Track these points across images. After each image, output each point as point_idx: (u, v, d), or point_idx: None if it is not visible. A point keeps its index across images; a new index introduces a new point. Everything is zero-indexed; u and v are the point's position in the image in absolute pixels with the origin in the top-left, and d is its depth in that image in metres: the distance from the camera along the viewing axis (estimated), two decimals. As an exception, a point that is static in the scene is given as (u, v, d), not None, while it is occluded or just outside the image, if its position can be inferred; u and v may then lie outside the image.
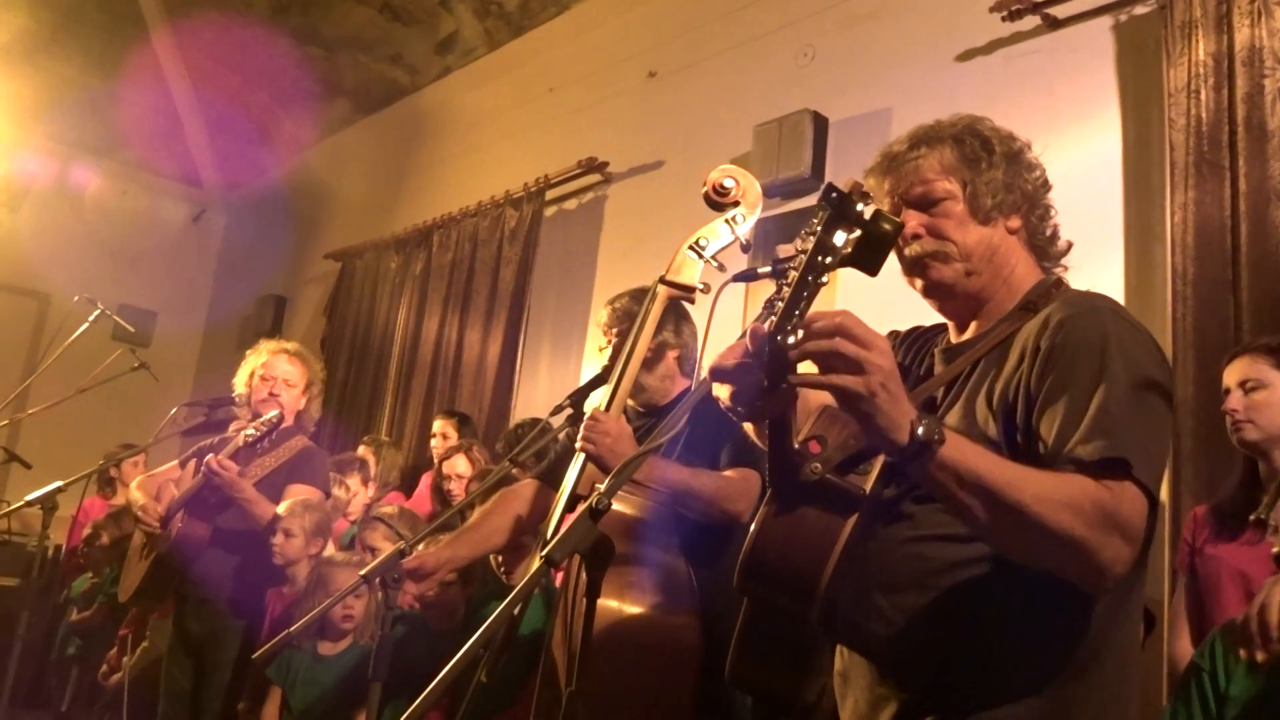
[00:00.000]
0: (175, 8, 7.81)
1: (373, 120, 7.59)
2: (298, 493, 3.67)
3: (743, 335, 1.41)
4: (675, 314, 2.73)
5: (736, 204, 2.48)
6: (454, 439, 4.98)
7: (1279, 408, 2.27)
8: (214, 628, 3.62)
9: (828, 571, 1.40)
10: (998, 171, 1.60)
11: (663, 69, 5.44)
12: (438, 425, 5.10)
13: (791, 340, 1.19)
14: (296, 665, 3.20)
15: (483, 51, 6.59)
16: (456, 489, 4.21)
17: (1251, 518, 1.17)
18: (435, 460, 4.91)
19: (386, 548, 3.49)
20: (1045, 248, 1.66)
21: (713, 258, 2.47)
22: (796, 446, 1.41)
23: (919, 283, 1.65)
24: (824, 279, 1.16)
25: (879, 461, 1.45)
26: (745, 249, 2.54)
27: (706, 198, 2.51)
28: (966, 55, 4.05)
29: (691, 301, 2.52)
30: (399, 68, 7.10)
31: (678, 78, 5.35)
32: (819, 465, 1.39)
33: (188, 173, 8.95)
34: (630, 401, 2.76)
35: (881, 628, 1.47)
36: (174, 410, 3.92)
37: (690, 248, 2.47)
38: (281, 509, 3.47)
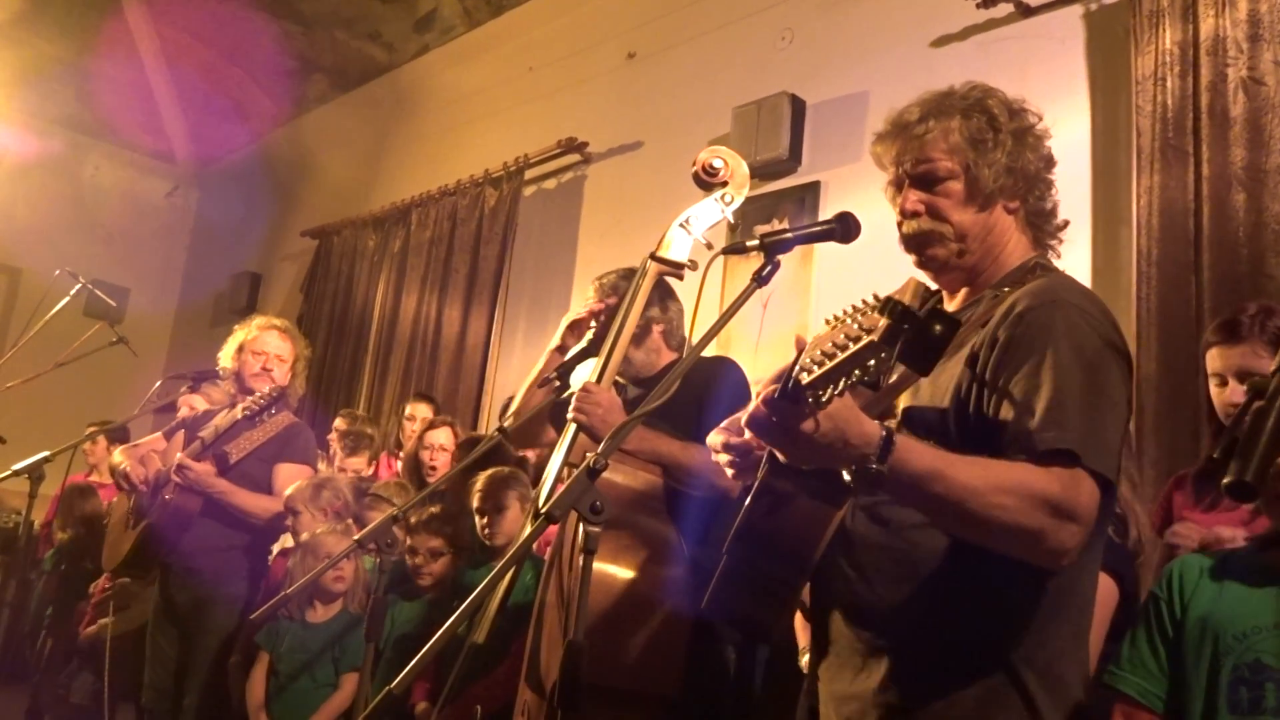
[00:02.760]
0: (149, -19, 7.76)
1: (350, 97, 7.58)
2: (287, 473, 3.72)
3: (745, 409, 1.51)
4: (660, 290, 2.80)
5: (725, 184, 2.55)
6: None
7: None
8: (199, 597, 3.67)
9: (818, 552, 1.49)
10: (1001, 153, 1.62)
11: (642, 50, 5.50)
12: (415, 409, 5.13)
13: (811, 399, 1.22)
14: (284, 632, 3.27)
15: (462, 30, 6.59)
16: (438, 460, 4.27)
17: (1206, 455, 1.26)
18: (409, 437, 4.95)
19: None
20: (1041, 225, 1.69)
21: (701, 235, 2.54)
22: None
23: (914, 257, 1.70)
24: (867, 378, 1.15)
25: None
26: (733, 228, 2.63)
27: (695, 177, 2.58)
28: (942, 41, 4.15)
29: (680, 278, 2.60)
30: (377, 45, 7.10)
31: (657, 59, 5.41)
32: None
33: (161, 148, 8.88)
34: (618, 376, 2.83)
35: (843, 588, 1.57)
36: (158, 383, 3.93)
37: (680, 225, 2.54)
38: (288, 491, 3.51)
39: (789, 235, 1.77)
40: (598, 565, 2.20)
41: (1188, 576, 1.57)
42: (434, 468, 4.25)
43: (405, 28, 6.84)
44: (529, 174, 5.81)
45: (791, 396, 1.24)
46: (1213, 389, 2.25)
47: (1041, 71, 3.77)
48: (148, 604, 4.12)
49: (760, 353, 4.43)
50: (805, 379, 1.18)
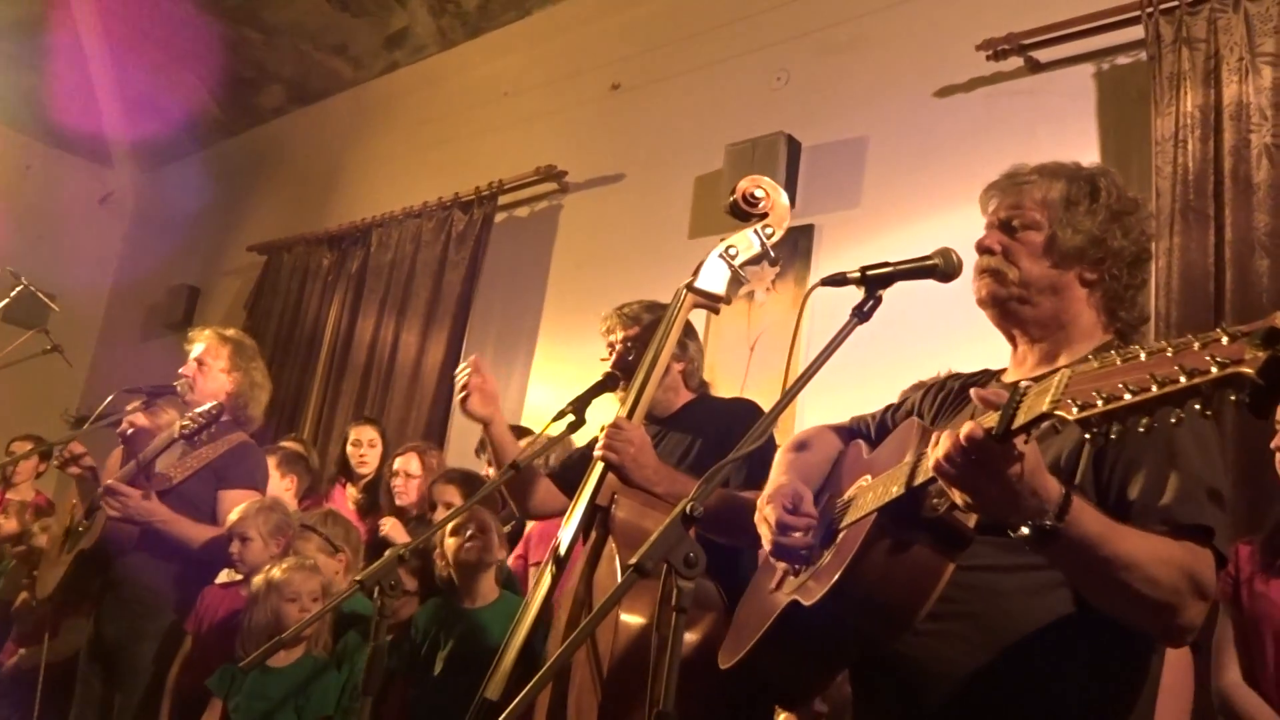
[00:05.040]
0: (101, -26, 7.41)
1: (309, 111, 7.32)
2: (234, 500, 3.45)
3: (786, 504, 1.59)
4: (684, 327, 2.64)
5: (765, 215, 2.43)
6: (380, 447, 4.80)
7: None
8: (131, 630, 3.39)
9: (925, 607, 1.41)
10: (1090, 220, 1.64)
11: (628, 82, 5.38)
12: (360, 433, 4.87)
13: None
14: (241, 676, 2.98)
15: (434, 50, 6.42)
16: (403, 487, 4.05)
17: None
18: (360, 463, 4.72)
19: (320, 558, 3.31)
20: (1117, 310, 1.68)
21: (742, 269, 2.39)
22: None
23: (977, 294, 1.73)
24: (1199, 407, 0.98)
25: None
26: (773, 263, 2.49)
27: (734, 206, 2.44)
28: (946, 91, 4.11)
29: (716, 311, 2.45)
30: (342, 59, 6.87)
31: (643, 92, 5.30)
32: (942, 502, 1.37)
33: (97, 150, 8.46)
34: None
35: (914, 651, 1.48)
36: (110, 396, 3.64)
37: (719, 256, 2.39)
38: (234, 514, 3.25)
39: (889, 270, 1.68)
40: (633, 619, 2.02)
41: None
42: (402, 493, 4.05)
43: (374, 43, 6.64)
44: (501, 200, 5.62)
45: (1001, 439, 1.16)
46: None
47: (1051, 129, 3.74)
48: (75, 634, 3.80)
49: (745, 395, 4.30)
50: (1072, 413, 1.04)
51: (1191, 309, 3.08)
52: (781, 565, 1.62)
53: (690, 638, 2.01)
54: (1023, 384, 1.16)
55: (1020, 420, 1.13)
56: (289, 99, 7.37)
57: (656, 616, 1.44)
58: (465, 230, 5.67)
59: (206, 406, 3.41)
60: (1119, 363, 1.04)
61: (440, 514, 3.45)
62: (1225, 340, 0.95)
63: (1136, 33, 3.51)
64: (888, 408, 1.96)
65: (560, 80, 5.71)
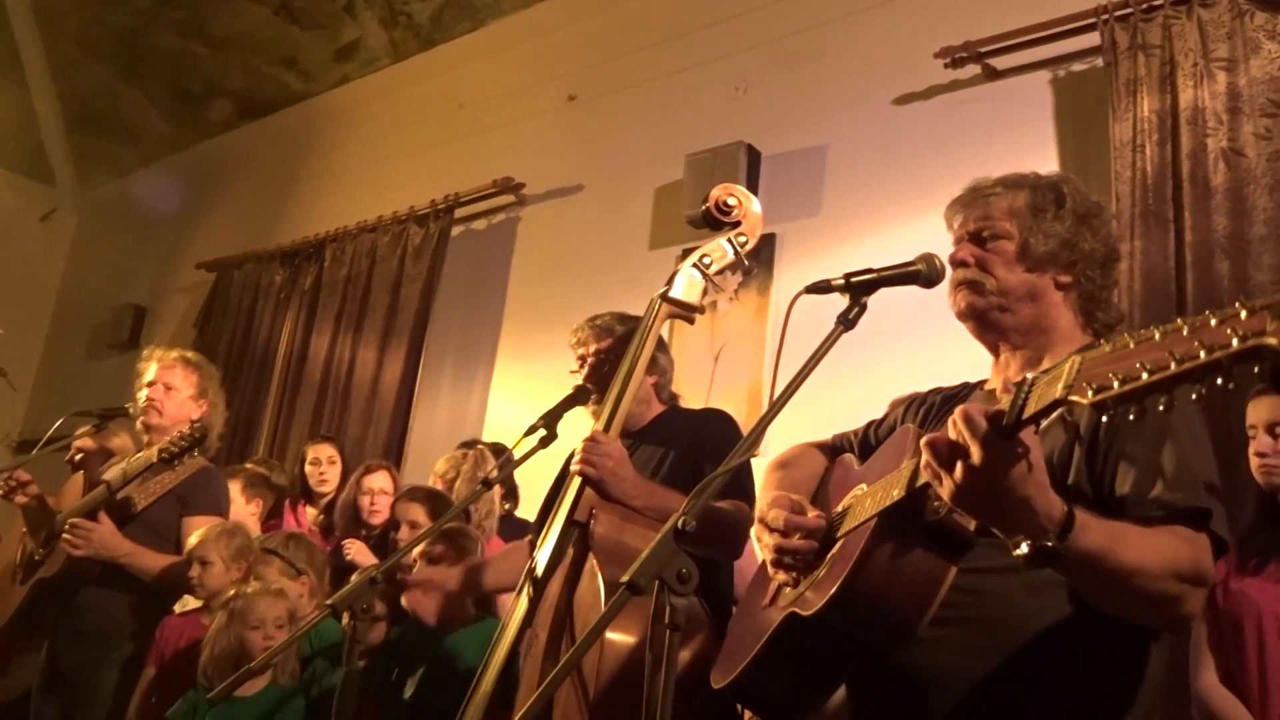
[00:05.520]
0: (41, -13, 7.23)
1: (258, 125, 7.18)
2: (197, 526, 3.36)
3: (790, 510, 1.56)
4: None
5: (738, 224, 2.41)
6: (339, 464, 4.72)
7: None
8: (89, 660, 3.30)
9: (929, 613, 1.39)
10: (1059, 225, 1.67)
11: (584, 93, 5.35)
12: (319, 451, 4.77)
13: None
14: (204, 706, 2.88)
15: (386, 62, 6.34)
16: (379, 505, 3.97)
17: None
18: (320, 483, 4.63)
19: (285, 582, 3.23)
20: (1094, 311, 1.70)
21: (715, 278, 2.37)
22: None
23: (955, 306, 1.72)
24: (1220, 381, 0.95)
25: None
26: (747, 271, 2.47)
27: (706, 214, 2.42)
28: (905, 99, 4.13)
29: (691, 321, 2.42)
30: (292, 72, 6.75)
31: (601, 103, 5.27)
32: (944, 505, 1.34)
33: (38, 167, 8.23)
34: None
35: (916, 659, 1.45)
36: (59, 420, 3.52)
37: (693, 266, 2.36)
38: (194, 538, 3.15)
39: (873, 276, 1.67)
40: (619, 637, 1.98)
41: None
42: (376, 512, 3.98)
43: (324, 56, 6.53)
44: (458, 213, 5.55)
45: (1008, 431, 1.11)
46: (1262, 440, 2.24)
47: (1009, 135, 3.77)
48: (25, 670, 3.66)
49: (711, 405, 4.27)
50: (1088, 397, 1.00)
51: (1154, 311, 3.10)
52: (779, 578, 1.59)
53: (680, 656, 1.98)
54: (1030, 375, 1.14)
55: (1031, 409, 1.10)
56: (237, 113, 7.23)
57: (649, 635, 1.41)
58: (422, 244, 5.59)
59: (188, 429, 3.32)
60: (1132, 345, 1.02)
61: (405, 533, 3.37)
62: (1244, 314, 0.94)
63: (1093, 39, 3.55)
64: (870, 424, 1.96)
65: (516, 92, 5.66)
